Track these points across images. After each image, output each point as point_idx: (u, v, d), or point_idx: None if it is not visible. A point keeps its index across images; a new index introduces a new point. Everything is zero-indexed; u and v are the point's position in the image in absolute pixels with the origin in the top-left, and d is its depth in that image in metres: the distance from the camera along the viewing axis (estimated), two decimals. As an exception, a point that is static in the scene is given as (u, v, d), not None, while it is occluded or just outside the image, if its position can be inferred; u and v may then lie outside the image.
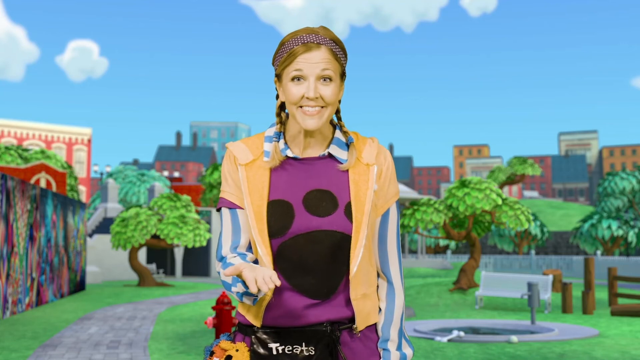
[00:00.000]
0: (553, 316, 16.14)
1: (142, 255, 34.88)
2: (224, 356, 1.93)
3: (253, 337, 1.95)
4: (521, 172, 51.83)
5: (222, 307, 8.41)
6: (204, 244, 25.99)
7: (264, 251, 1.90)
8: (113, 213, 38.87)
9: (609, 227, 44.57)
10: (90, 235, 37.13)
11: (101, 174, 57.52)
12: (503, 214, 19.41)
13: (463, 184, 19.85)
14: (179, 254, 36.77)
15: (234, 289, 1.85)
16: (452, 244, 57.94)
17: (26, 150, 38.70)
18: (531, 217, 19.45)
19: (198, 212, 37.57)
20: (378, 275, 2.04)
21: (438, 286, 20.42)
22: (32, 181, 27.97)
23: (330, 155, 1.98)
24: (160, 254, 38.39)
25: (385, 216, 2.00)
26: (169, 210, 26.68)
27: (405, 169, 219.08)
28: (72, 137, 76.03)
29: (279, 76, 1.94)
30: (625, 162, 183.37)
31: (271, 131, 2.01)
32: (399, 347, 1.99)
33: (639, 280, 16.81)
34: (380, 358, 1.99)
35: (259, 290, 1.72)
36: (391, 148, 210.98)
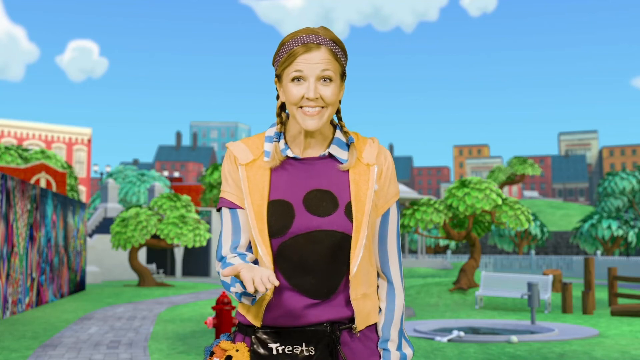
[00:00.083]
0: (553, 316, 16.14)
1: (142, 255, 34.87)
2: (224, 356, 1.93)
3: (253, 337, 1.95)
4: (521, 172, 51.82)
5: (222, 307, 8.41)
6: (204, 244, 25.99)
7: (264, 251, 1.90)
8: (113, 213, 38.87)
9: (609, 227, 44.57)
10: (90, 235, 37.12)
11: (101, 174, 57.51)
12: (503, 214, 19.41)
13: (463, 184, 19.85)
14: (179, 254, 36.77)
15: (232, 289, 1.85)
16: (452, 244, 57.93)
17: (26, 150, 38.70)
18: (531, 217, 19.45)
19: (198, 212, 37.56)
20: (378, 275, 2.04)
21: (438, 286, 20.42)
22: (32, 181, 27.97)
23: (330, 156, 1.98)
24: (160, 254, 38.39)
25: (385, 216, 2.00)
26: (169, 210, 26.68)
27: (405, 169, 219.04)
28: (72, 137, 76.03)
29: (279, 77, 1.94)
30: (625, 162, 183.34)
31: (271, 131, 2.01)
32: (399, 347, 1.99)
33: (639, 280, 16.81)
34: (380, 358, 1.99)
35: (256, 290, 1.72)
36: (391, 148, 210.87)
